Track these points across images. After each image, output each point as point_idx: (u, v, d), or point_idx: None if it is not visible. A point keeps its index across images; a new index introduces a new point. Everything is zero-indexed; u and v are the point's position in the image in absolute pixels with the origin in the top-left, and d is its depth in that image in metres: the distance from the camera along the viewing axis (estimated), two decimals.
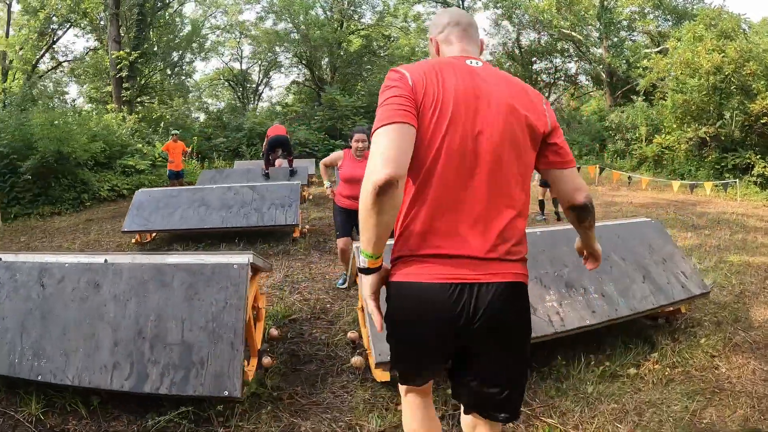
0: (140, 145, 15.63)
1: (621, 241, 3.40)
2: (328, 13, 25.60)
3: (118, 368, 2.38)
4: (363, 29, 26.14)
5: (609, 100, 21.44)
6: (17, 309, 2.67)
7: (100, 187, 12.03)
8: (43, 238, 7.52)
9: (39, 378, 2.46)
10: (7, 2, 19.33)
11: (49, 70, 22.80)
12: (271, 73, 29.41)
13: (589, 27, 22.30)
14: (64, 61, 22.86)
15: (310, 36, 22.77)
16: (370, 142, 3.48)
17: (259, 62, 28.30)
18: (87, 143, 11.80)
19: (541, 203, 7.71)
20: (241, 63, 28.84)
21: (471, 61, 1.41)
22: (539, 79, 24.87)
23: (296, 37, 23.96)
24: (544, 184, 7.26)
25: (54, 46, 21.63)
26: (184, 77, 27.17)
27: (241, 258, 2.67)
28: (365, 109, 21.88)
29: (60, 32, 21.15)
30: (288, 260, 5.47)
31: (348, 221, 4.23)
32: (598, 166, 13.75)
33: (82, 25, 20.43)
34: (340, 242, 4.28)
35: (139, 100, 19.54)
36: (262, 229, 6.34)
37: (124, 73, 17.04)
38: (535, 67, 25.03)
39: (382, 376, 2.72)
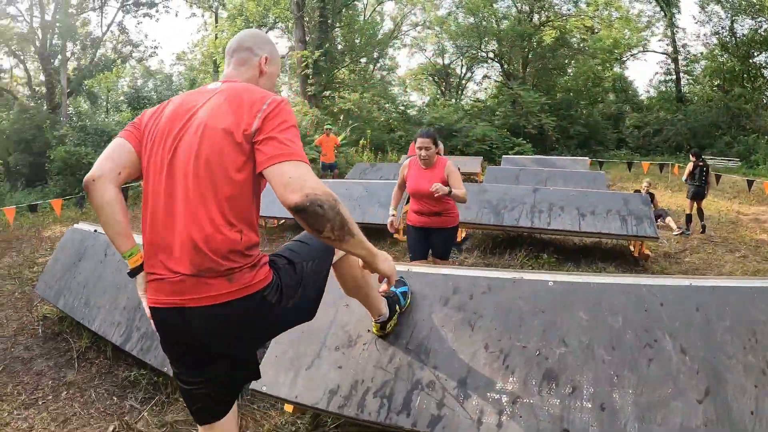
0: (316, 137, 17.81)
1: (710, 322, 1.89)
2: (518, 5, 24.90)
3: (119, 327, 3.14)
4: (557, 20, 24.54)
5: None
6: (88, 269, 3.69)
7: None
8: None
9: (81, 320, 3.40)
10: (214, 9, 23.81)
11: None
12: (474, 68, 30.04)
13: None
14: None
15: (497, 29, 22.57)
16: (437, 146, 3.47)
17: (460, 57, 29.04)
18: None
19: (688, 217, 7.54)
20: (442, 58, 30.13)
21: (217, 84, 1.49)
22: (760, 74, 20.17)
23: (485, 30, 23.79)
24: (692, 197, 7.38)
25: None
26: (386, 72, 29.74)
27: None
28: (555, 106, 20.80)
29: None
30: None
31: (420, 241, 3.63)
32: None
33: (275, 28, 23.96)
34: None
35: (325, 94, 22.04)
36: (361, 225, 6.65)
37: (309, 71, 19.45)
38: (755, 60, 20.37)
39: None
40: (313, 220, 1.23)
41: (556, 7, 25.03)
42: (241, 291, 1.35)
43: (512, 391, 1.88)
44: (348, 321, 2.33)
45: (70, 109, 16.16)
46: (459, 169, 4.50)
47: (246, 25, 23.76)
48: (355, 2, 21.99)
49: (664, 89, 26.67)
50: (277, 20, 22.90)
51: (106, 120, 14.51)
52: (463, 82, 30.78)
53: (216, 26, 25.51)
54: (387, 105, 19.56)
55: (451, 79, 30.98)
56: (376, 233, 6.32)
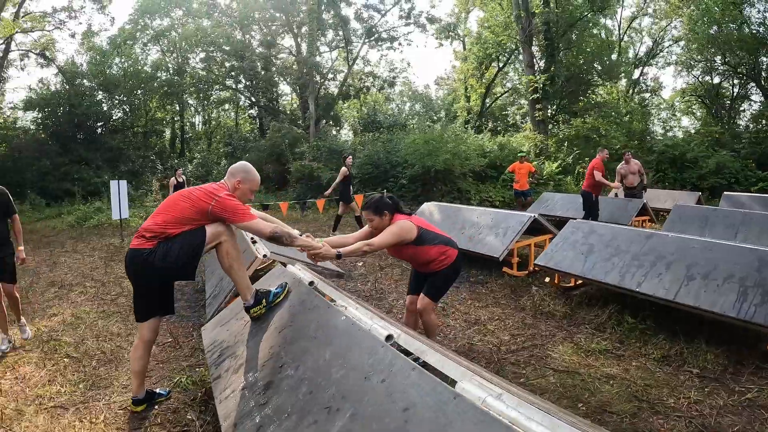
0: (535, 163, 17.15)
1: None
2: None
3: None
4: None
5: None
6: None
7: (473, 196, 14.45)
8: None
9: None
10: (461, 39, 24.93)
11: (494, 100, 27.82)
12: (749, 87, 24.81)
13: None
14: (503, 93, 27.34)
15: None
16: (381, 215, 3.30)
17: (732, 74, 24.40)
18: (463, 159, 14.38)
19: None
20: (711, 77, 25.82)
21: None
22: None
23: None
24: None
25: (501, 71, 26.20)
26: (648, 94, 27.01)
27: None
28: None
29: (500, 62, 25.50)
30: (468, 293, 5.54)
31: (414, 278, 3.68)
32: None
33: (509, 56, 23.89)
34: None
35: (556, 119, 21.13)
36: (469, 254, 6.14)
37: (536, 95, 18.96)
38: None
39: None
40: None
41: None
42: None
43: None
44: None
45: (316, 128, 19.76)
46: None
47: (488, 52, 24.62)
48: (590, 22, 20.44)
49: None
50: (508, 45, 23.04)
51: (339, 140, 17.19)
52: (735, 103, 25.10)
53: (464, 51, 27.16)
54: (616, 133, 17.51)
55: (724, 101, 25.62)
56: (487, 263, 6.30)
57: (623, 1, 25.54)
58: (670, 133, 23.92)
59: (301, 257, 4.13)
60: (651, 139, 19.25)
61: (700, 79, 25.88)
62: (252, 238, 5.25)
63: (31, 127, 19.36)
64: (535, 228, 6.56)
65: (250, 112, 26.90)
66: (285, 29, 21.77)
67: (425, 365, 1.60)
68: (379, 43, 21.86)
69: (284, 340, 2.23)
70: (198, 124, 30.69)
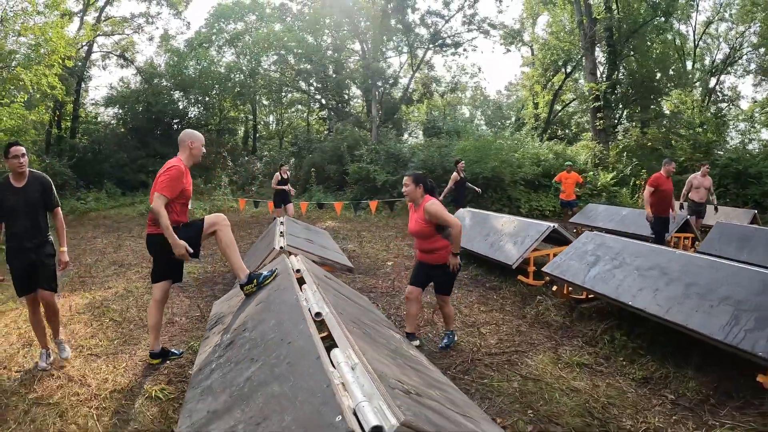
0: (591, 173, 16.76)
1: None
2: None
3: None
4: None
5: None
6: None
7: (523, 204, 14.48)
8: None
9: None
10: (529, 45, 24.67)
11: (564, 107, 27.24)
12: None
13: None
14: (572, 100, 26.73)
15: None
16: (417, 186, 3.86)
17: None
18: (515, 167, 14.45)
19: None
20: None
21: None
22: None
23: None
24: None
25: (570, 78, 25.66)
26: (725, 104, 25.53)
27: None
28: None
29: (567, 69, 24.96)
30: (478, 298, 5.85)
31: (418, 271, 4.07)
32: None
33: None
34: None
35: (618, 128, 20.49)
36: (486, 259, 6.68)
37: (598, 103, 18.55)
38: None
39: None
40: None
41: None
42: None
43: None
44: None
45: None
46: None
47: (552, 58, 24.25)
48: (659, 28, 19.60)
49: None
50: (574, 52, 22.57)
51: (398, 145, 17.68)
52: None
53: (533, 57, 26.90)
54: (680, 142, 16.77)
55: None
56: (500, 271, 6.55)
57: (698, 6, 24.21)
58: (750, 146, 22.29)
59: (309, 250, 4.71)
60: (719, 152, 18.17)
61: None
62: (280, 232, 5.90)
63: (112, 122, 21.37)
64: (559, 239, 6.64)
65: (321, 113, 28.15)
66: (353, 34, 22.69)
67: (329, 336, 2.08)
68: (444, 49, 22.25)
69: (255, 311, 2.78)
70: (271, 124, 32.51)
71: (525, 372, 3.72)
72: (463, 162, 10.02)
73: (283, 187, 9.99)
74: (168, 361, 3.58)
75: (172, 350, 3.71)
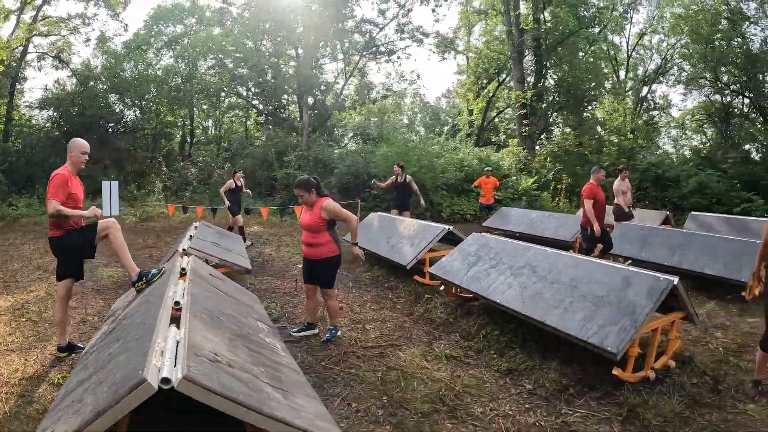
0: (514, 178, 18.00)
1: None
2: None
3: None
4: None
5: None
6: None
7: (445, 209, 15.47)
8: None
9: None
10: (465, 54, 26.08)
11: (498, 113, 28.81)
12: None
13: None
14: (505, 108, 28.34)
15: None
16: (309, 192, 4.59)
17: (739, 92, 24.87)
18: (437, 172, 15.51)
19: None
20: (722, 96, 26.27)
21: None
22: None
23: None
24: None
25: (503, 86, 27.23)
26: (656, 112, 27.59)
27: None
28: None
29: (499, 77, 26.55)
30: (373, 297, 6.65)
31: (305, 268, 4.76)
32: None
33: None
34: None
35: (543, 135, 22.05)
36: (386, 261, 7.15)
37: (523, 110, 20.01)
38: None
39: None
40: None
41: None
42: None
43: None
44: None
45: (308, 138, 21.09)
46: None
47: (484, 67, 25.65)
48: (587, 39, 21.28)
49: None
50: (505, 62, 24.05)
51: (326, 150, 18.47)
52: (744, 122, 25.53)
53: (467, 65, 28.19)
54: (609, 147, 18.40)
55: (734, 120, 26.06)
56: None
57: (632, 18, 26.08)
58: (682, 152, 24.13)
59: (212, 252, 5.46)
60: (641, 156, 19.74)
61: (710, 98, 26.20)
62: (190, 235, 6.59)
63: (46, 125, 20.98)
64: (457, 241, 6.80)
65: (259, 118, 28.43)
66: (288, 41, 23.24)
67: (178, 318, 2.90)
68: (378, 56, 23.21)
69: (136, 303, 3.53)
70: (210, 128, 32.34)
71: (393, 363, 4.12)
72: (397, 166, 10.40)
73: (238, 194, 9.88)
74: (74, 354, 4.23)
75: (78, 344, 4.36)
